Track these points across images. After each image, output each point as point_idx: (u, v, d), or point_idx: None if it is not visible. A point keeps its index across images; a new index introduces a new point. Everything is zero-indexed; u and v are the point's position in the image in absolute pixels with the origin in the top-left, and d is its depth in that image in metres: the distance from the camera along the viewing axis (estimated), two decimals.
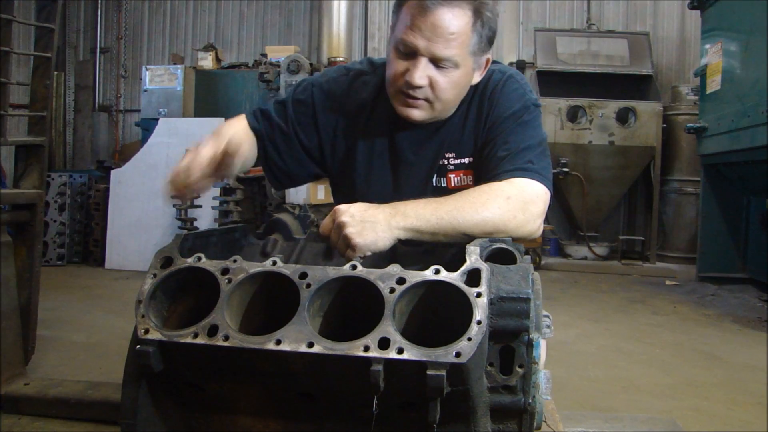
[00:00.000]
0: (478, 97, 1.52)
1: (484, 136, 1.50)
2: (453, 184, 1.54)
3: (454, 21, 1.33)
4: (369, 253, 1.20)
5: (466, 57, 1.38)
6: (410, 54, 1.37)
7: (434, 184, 1.55)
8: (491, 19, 1.39)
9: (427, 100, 1.42)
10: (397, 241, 1.23)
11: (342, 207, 1.22)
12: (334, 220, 1.21)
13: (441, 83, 1.38)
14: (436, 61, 1.36)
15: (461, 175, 1.54)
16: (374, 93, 1.57)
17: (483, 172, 1.45)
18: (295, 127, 1.55)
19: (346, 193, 1.62)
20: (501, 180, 1.35)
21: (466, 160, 1.53)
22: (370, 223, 1.19)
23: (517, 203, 1.30)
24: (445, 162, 1.54)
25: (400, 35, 1.38)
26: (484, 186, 1.34)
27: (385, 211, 1.22)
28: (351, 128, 1.57)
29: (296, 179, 1.66)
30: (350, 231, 1.18)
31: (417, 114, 1.44)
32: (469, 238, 1.23)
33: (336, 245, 1.21)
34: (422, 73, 1.36)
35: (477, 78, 1.48)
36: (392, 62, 1.42)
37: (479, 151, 1.50)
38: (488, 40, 1.42)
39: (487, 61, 1.48)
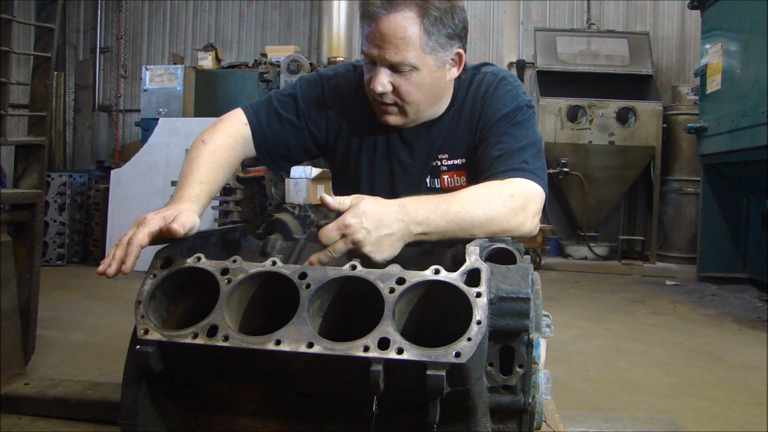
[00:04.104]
0: (470, 98, 1.53)
1: (477, 137, 1.50)
2: (446, 185, 1.55)
3: (399, 26, 1.35)
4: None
5: (423, 57, 1.39)
6: (373, 63, 1.42)
7: (428, 185, 1.56)
8: (444, 16, 1.38)
9: (396, 104, 1.45)
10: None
11: (351, 221, 1.11)
12: (345, 235, 1.11)
13: (403, 87, 1.42)
14: (393, 67, 1.39)
15: (454, 175, 1.55)
16: None
17: (477, 172, 1.46)
18: (307, 122, 1.56)
19: (349, 187, 1.63)
20: (498, 179, 1.35)
21: (459, 161, 1.54)
22: (386, 237, 1.13)
23: (519, 201, 1.31)
24: (438, 163, 1.56)
25: (362, 47, 1.44)
26: (488, 183, 1.34)
27: (400, 219, 1.16)
28: (356, 125, 1.58)
29: (297, 162, 1.69)
30: (369, 250, 1.12)
31: (392, 119, 1.49)
32: (473, 237, 1.23)
33: (351, 253, 1.13)
34: (383, 80, 1.40)
35: (454, 73, 1.49)
36: (364, 72, 1.48)
37: (472, 152, 1.51)
38: (448, 36, 1.41)
39: (459, 55, 1.47)
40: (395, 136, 1.57)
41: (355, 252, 1.13)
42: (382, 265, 1.07)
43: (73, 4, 8.73)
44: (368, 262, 1.12)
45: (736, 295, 4.91)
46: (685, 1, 5.87)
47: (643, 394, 2.62)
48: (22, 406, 2.11)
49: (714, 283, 5.34)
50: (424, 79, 1.42)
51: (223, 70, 6.92)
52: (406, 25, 1.35)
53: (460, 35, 1.45)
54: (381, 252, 1.14)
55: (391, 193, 1.54)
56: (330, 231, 1.12)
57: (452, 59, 1.46)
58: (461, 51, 1.47)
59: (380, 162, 1.58)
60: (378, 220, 1.13)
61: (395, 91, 1.42)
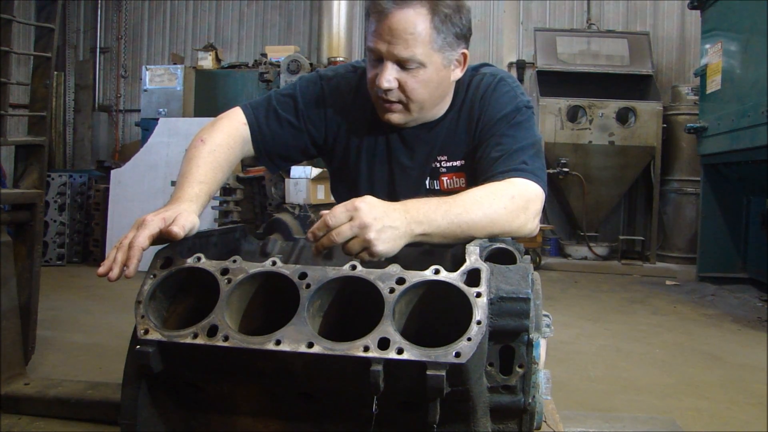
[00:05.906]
0: (469, 100, 1.53)
1: (476, 138, 1.50)
2: (445, 187, 1.55)
3: (410, 21, 1.36)
4: (383, 260, 1.12)
5: (431, 54, 1.40)
6: (378, 60, 1.41)
7: (427, 186, 1.56)
8: (453, 14, 1.40)
9: (401, 102, 1.44)
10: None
11: (363, 205, 1.10)
12: (353, 217, 1.09)
13: (410, 84, 1.41)
14: (401, 63, 1.39)
15: (453, 177, 1.55)
16: None
17: (477, 174, 1.45)
18: (306, 123, 1.56)
19: (347, 188, 1.63)
20: (498, 180, 1.35)
21: (458, 163, 1.54)
22: (391, 229, 1.12)
23: (520, 202, 1.31)
24: (438, 165, 1.55)
25: (367, 43, 1.43)
26: (488, 186, 1.34)
27: (403, 217, 1.15)
28: (355, 126, 1.58)
29: (295, 162, 1.69)
30: (372, 236, 1.08)
31: (395, 117, 1.47)
32: (474, 239, 1.23)
33: (351, 245, 1.10)
34: (389, 76, 1.39)
35: (458, 74, 1.49)
36: (367, 70, 1.46)
37: (472, 154, 1.51)
38: (456, 35, 1.42)
39: (464, 55, 1.48)
40: (395, 138, 1.56)
41: (362, 241, 1.09)
42: (380, 263, 1.07)
43: (73, 4, 8.73)
44: (368, 252, 1.10)
45: (736, 295, 4.91)
46: (685, 1, 5.87)
47: (643, 394, 2.62)
48: (22, 406, 2.11)
49: (714, 283, 5.34)
50: (430, 77, 1.42)
51: (223, 70, 6.92)
52: (416, 20, 1.36)
53: (466, 36, 1.46)
54: (383, 242, 1.10)
55: (391, 195, 1.54)
56: (338, 212, 1.10)
57: (457, 60, 1.46)
58: (466, 52, 1.48)
59: (379, 164, 1.58)
60: (384, 212, 1.12)
61: (401, 87, 1.41)
